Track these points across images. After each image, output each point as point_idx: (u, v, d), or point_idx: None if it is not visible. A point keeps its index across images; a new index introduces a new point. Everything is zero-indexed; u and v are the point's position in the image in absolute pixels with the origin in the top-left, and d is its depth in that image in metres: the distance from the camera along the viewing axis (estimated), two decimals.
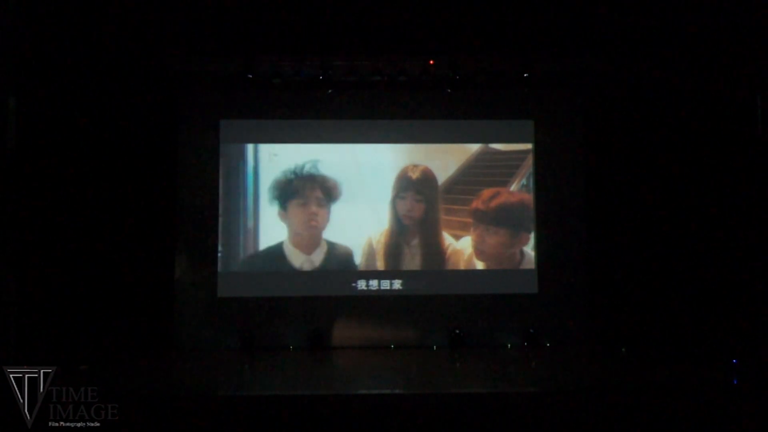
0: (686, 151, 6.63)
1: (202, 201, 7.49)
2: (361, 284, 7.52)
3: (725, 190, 6.27)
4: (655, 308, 6.77)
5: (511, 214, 7.62)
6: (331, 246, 7.53)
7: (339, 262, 7.53)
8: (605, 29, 6.54)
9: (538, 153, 7.73)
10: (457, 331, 7.37)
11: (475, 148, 7.73)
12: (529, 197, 7.67)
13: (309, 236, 7.53)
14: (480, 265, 7.59)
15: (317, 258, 7.52)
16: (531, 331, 7.41)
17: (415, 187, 7.62)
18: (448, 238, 7.60)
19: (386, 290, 7.52)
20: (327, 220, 7.54)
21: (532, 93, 7.61)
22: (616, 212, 7.27)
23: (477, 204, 7.60)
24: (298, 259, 7.51)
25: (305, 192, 7.55)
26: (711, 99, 6.42)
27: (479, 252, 7.58)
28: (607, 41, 6.65)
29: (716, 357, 6.06)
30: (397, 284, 7.53)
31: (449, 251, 7.59)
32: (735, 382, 5.34)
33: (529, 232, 7.62)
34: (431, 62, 6.97)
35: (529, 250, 7.61)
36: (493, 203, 7.59)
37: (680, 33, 6.41)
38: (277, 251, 7.50)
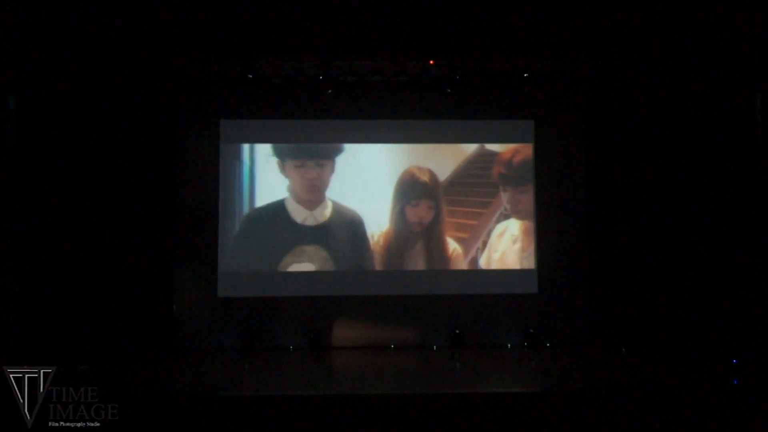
0: (686, 151, 6.63)
1: (202, 201, 7.49)
2: (361, 284, 7.52)
3: (725, 190, 6.27)
4: (655, 308, 6.77)
5: (531, 169, 7.65)
6: (337, 207, 7.50)
7: (346, 223, 7.47)
8: (605, 29, 6.54)
9: (538, 153, 7.72)
10: (457, 331, 7.37)
11: (473, 148, 7.73)
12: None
13: (310, 198, 7.52)
14: (520, 226, 7.56)
15: (321, 214, 7.47)
16: (531, 331, 7.41)
17: (428, 193, 7.58)
18: (452, 243, 7.58)
19: (386, 290, 7.51)
20: (330, 177, 7.51)
21: (532, 93, 7.61)
22: (616, 212, 7.27)
23: (499, 169, 7.59)
24: (300, 215, 7.46)
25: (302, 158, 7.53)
26: (711, 99, 6.42)
27: (517, 212, 7.56)
28: (607, 41, 6.65)
29: (716, 357, 6.06)
30: (397, 284, 7.52)
31: (453, 255, 7.59)
32: (735, 382, 5.34)
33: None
34: (431, 62, 6.97)
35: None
36: (516, 160, 7.60)
37: (680, 33, 6.41)
38: (278, 207, 7.47)
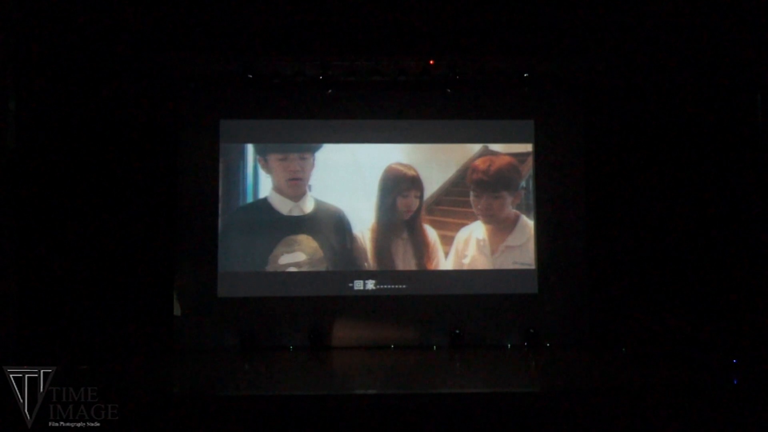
0: (686, 151, 6.63)
1: (202, 201, 7.50)
2: (359, 284, 7.52)
3: (725, 189, 6.27)
4: (655, 308, 6.77)
5: (506, 177, 7.75)
6: (319, 201, 7.60)
7: (330, 215, 7.57)
8: (605, 29, 6.54)
9: (538, 153, 7.73)
10: (457, 331, 7.38)
11: (474, 148, 7.73)
12: (511, 159, 7.75)
13: (293, 192, 7.63)
14: (485, 230, 7.63)
15: (305, 206, 7.58)
16: (531, 331, 7.41)
17: (415, 185, 7.68)
18: (429, 229, 7.66)
19: (385, 290, 7.51)
20: (312, 171, 7.62)
21: (532, 93, 7.61)
22: (616, 212, 7.27)
23: (477, 176, 7.71)
24: (285, 206, 7.56)
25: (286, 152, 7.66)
26: (711, 99, 6.42)
27: (488, 217, 7.67)
28: (607, 41, 6.65)
29: (716, 357, 6.06)
30: (397, 284, 7.52)
31: (432, 241, 7.65)
32: (735, 382, 5.34)
33: (518, 190, 7.71)
34: (431, 62, 6.97)
35: (524, 218, 7.70)
36: (492, 170, 7.75)
37: (680, 33, 6.41)
38: (262, 203, 7.57)
